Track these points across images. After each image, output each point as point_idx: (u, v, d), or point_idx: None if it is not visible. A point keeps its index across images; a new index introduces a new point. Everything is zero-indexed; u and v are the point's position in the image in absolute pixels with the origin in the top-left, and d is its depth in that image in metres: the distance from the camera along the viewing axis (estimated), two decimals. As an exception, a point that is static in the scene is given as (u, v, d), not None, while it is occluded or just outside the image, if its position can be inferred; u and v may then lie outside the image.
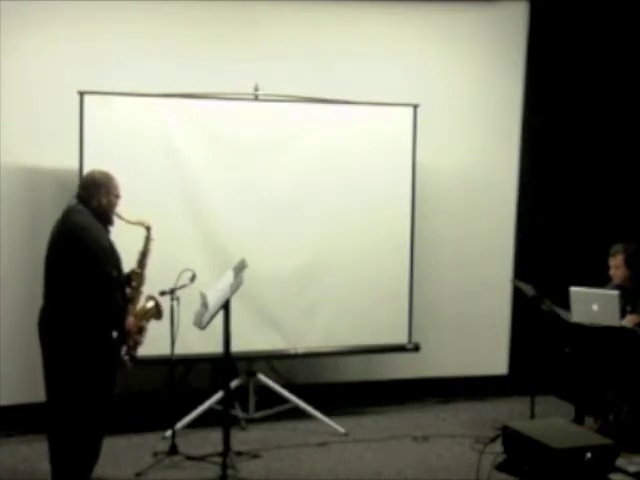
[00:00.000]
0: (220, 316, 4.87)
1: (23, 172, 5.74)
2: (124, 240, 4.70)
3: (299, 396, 5.92)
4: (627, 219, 6.45)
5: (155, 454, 5.27)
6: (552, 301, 5.71)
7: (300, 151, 5.89)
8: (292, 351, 5.95)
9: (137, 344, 4.70)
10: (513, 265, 6.80)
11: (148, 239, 4.85)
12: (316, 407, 5.91)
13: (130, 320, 4.64)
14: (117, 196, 4.62)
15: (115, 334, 4.50)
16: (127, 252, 4.71)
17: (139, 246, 4.83)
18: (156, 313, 4.85)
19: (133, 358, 4.68)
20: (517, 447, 4.69)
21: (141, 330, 4.74)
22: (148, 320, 4.81)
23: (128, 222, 4.73)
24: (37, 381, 4.54)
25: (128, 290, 4.71)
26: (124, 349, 4.63)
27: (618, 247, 5.76)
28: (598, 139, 6.72)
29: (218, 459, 4.98)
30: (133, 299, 4.73)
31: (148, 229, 4.85)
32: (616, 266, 5.74)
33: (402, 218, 6.12)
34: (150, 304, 4.83)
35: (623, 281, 5.72)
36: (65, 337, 4.38)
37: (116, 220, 4.66)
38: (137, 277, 4.76)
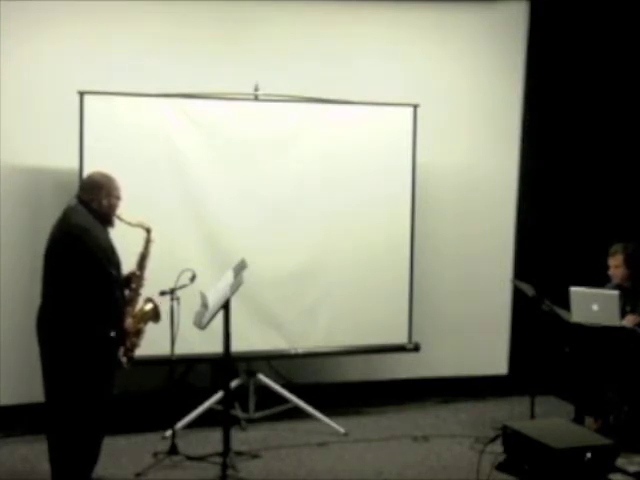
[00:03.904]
0: (220, 316, 4.87)
1: (23, 172, 5.74)
2: (124, 242, 4.70)
3: (299, 396, 5.92)
4: (627, 219, 6.45)
5: (155, 454, 5.27)
6: (552, 301, 5.71)
7: (300, 151, 5.89)
8: (292, 351, 5.95)
9: (134, 346, 4.70)
10: (513, 265, 6.80)
11: (148, 241, 4.84)
12: (316, 407, 5.91)
13: (129, 321, 4.64)
14: (118, 198, 4.62)
15: (113, 334, 4.49)
16: (127, 254, 4.70)
17: (139, 248, 4.83)
18: (154, 316, 4.84)
19: (130, 359, 4.68)
20: (517, 447, 4.68)
21: (139, 332, 4.74)
22: (146, 322, 4.81)
23: (129, 224, 4.73)
24: (37, 381, 4.53)
25: (127, 292, 4.71)
26: (121, 350, 4.62)
27: (617, 247, 5.76)
28: (598, 139, 6.72)
29: (218, 459, 4.98)
30: (132, 301, 4.73)
31: (148, 231, 4.85)
32: (615, 266, 5.74)
33: (402, 218, 6.12)
34: (148, 306, 4.83)
35: (622, 281, 5.72)
36: (64, 337, 4.37)
37: (116, 222, 4.66)
38: (136, 279, 4.76)
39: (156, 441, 5.51)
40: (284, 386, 6.00)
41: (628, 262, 5.70)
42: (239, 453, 5.28)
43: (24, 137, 5.70)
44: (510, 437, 4.73)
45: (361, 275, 6.03)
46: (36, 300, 4.52)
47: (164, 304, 4.99)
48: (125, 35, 5.86)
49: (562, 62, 6.68)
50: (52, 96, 5.68)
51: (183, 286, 5.10)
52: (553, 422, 5.20)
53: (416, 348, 6.22)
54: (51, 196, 5.64)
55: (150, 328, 4.83)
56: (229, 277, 4.96)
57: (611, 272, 5.77)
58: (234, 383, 5.80)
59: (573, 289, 5.55)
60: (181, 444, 5.30)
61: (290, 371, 6.29)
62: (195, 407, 5.71)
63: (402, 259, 6.13)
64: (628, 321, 5.52)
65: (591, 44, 6.63)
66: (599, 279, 5.78)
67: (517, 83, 6.75)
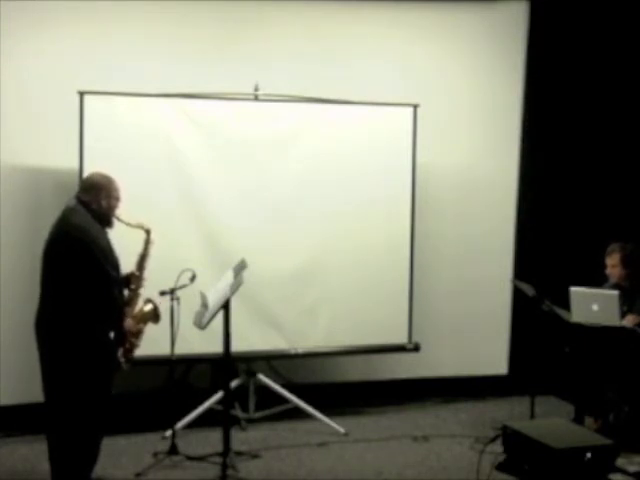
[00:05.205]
0: (220, 316, 4.87)
1: (23, 172, 5.74)
2: (124, 243, 4.70)
3: (299, 396, 5.92)
4: (626, 219, 6.45)
5: (155, 454, 5.27)
6: (552, 301, 5.71)
7: (300, 151, 5.89)
8: (292, 351, 5.95)
9: (134, 346, 4.69)
10: (513, 265, 6.80)
11: (148, 242, 4.84)
12: (316, 407, 5.91)
13: (128, 322, 4.64)
14: (117, 199, 4.62)
15: (112, 335, 4.49)
16: (127, 255, 4.71)
17: (139, 249, 4.83)
18: (154, 316, 4.84)
19: (129, 360, 4.68)
20: (517, 447, 4.68)
21: (138, 333, 4.73)
22: (146, 323, 4.80)
23: (128, 225, 4.72)
24: (37, 381, 4.53)
25: (126, 292, 4.70)
26: (120, 351, 4.62)
27: (615, 246, 5.76)
28: (598, 139, 6.72)
29: (218, 459, 4.98)
30: (131, 301, 4.73)
31: (148, 232, 4.85)
32: (613, 265, 5.74)
33: (402, 218, 6.12)
34: (148, 307, 4.82)
35: (619, 280, 5.72)
36: (62, 337, 4.37)
37: (116, 223, 4.65)
38: (136, 280, 4.76)
39: (156, 441, 5.51)
40: (284, 386, 6.00)
41: (625, 261, 5.70)
42: (239, 453, 5.28)
43: (24, 137, 5.70)
44: (510, 437, 4.74)
45: (361, 275, 6.03)
46: (36, 300, 4.51)
47: (164, 304, 4.99)
48: (125, 35, 5.85)
49: (562, 62, 6.68)
50: (52, 96, 5.68)
51: (183, 286, 5.10)
52: (553, 422, 5.20)
53: (416, 348, 6.22)
54: (51, 196, 5.64)
55: (150, 328, 4.83)
56: (229, 277, 4.96)
57: (608, 271, 5.77)
58: (234, 383, 5.80)
59: (573, 289, 5.55)
60: (181, 444, 5.30)
61: (290, 371, 6.29)
62: (195, 407, 5.71)
63: (402, 259, 6.13)
64: (628, 321, 5.52)
65: (591, 44, 6.63)
66: (599, 279, 5.79)
67: (517, 83, 6.75)
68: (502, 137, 6.76)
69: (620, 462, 4.82)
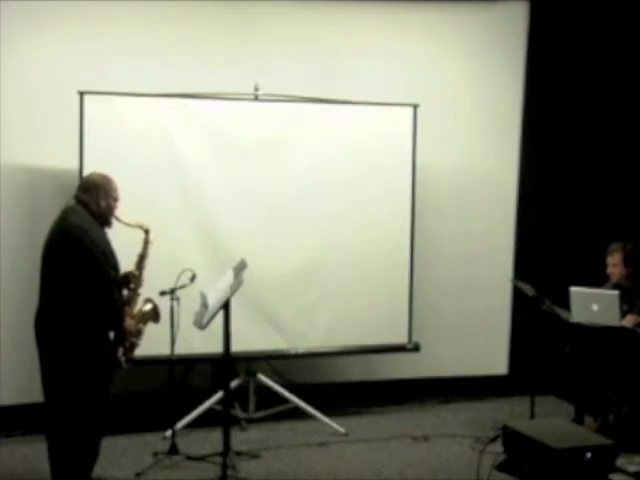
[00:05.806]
0: (220, 316, 4.87)
1: (23, 172, 5.74)
2: (123, 242, 4.69)
3: (299, 396, 5.92)
4: (626, 218, 6.45)
5: (155, 454, 5.27)
6: (552, 301, 5.71)
7: (300, 151, 5.89)
8: (292, 351, 5.95)
9: (134, 346, 4.69)
10: (513, 265, 6.80)
11: (147, 242, 4.84)
12: (316, 407, 5.91)
13: (128, 321, 4.63)
14: (116, 199, 4.62)
15: (112, 335, 4.49)
16: (126, 254, 4.70)
17: (138, 248, 4.83)
18: (154, 316, 4.83)
19: (130, 360, 4.68)
20: (517, 447, 4.69)
21: (138, 332, 4.72)
22: (145, 323, 4.80)
23: (127, 225, 4.72)
24: (37, 381, 4.52)
25: (125, 292, 4.70)
26: (120, 351, 4.62)
27: (616, 245, 5.77)
28: (598, 139, 6.73)
29: (218, 459, 4.98)
30: (131, 301, 4.72)
31: (147, 232, 4.84)
32: (614, 264, 5.74)
33: (402, 218, 6.12)
34: (148, 307, 4.82)
35: (621, 279, 5.72)
36: (62, 338, 4.37)
37: (115, 223, 4.65)
38: (135, 279, 4.75)
39: (156, 441, 5.50)
40: (284, 386, 6.00)
41: (626, 261, 5.71)
42: (239, 453, 5.28)
43: (24, 137, 5.70)
44: (510, 437, 4.74)
45: (361, 275, 6.03)
46: (36, 300, 4.51)
47: (164, 304, 4.99)
48: (125, 35, 5.85)
49: (562, 62, 6.68)
50: (52, 96, 5.68)
51: (183, 286, 5.11)
52: (553, 422, 5.20)
53: (416, 348, 6.22)
54: (51, 196, 5.63)
55: (150, 328, 4.83)
56: (229, 277, 4.96)
57: (609, 271, 5.77)
58: (234, 383, 5.80)
59: (573, 289, 5.55)
60: (181, 444, 5.30)
61: (290, 371, 6.29)
62: (195, 407, 5.71)
63: (402, 259, 6.13)
64: (628, 321, 5.52)
65: (591, 44, 6.64)
66: (599, 279, 5.79)
67: (517, 83, 6.75)
68: (502, 137, 6.76)
69: (620, 462, 4.83)
